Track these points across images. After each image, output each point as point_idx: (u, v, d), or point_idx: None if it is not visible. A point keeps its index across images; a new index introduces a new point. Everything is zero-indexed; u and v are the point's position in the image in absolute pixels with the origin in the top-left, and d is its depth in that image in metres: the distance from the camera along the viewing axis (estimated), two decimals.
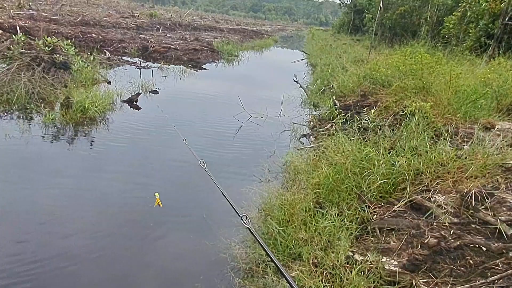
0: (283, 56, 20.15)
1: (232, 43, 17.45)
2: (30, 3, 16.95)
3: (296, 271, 2.46)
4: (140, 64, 10.66)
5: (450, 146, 3.63)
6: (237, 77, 11.52)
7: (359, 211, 3.04)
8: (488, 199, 2.69)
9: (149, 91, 7.67)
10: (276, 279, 2.44)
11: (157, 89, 7.86)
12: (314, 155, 4.44)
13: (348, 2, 30.33)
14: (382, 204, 3.16)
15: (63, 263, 2.63)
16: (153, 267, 2.72)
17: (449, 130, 3.99)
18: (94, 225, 3.16)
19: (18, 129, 4.88)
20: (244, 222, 1.58)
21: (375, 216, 3.01)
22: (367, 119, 4.88)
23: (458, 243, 2.45)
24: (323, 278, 2.40)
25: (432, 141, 3.83)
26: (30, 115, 5.43)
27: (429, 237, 2.56)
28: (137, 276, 2.66)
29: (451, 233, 2.55)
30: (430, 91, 5.23)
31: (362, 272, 2.38)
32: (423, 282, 2.27)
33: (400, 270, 2.39)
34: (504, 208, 2.62)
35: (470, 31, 9.99)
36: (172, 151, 5.02)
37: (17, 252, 2.70)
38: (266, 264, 2.61)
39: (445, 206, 2.81)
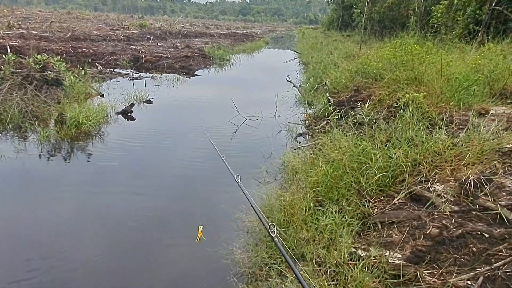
0: (275, 57, 20.15)
1: (223, 48, 17.47)
2: (20, 23, 16.95)
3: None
4: (133, 75, 10.65)
5: (445, 135, 3.62)
6: (230, 81, 11.51)
7: (359, 206, 3.03)
8: (487, 185, 2.68)
9: (143, 101, 7.67)
10: (280, 282, 2.42)
11: (151, 99, 7.86)
12: (311, 154, 4.42)
13: None
14: (382, 197, 3.14)
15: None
16: (155, 277, 2.69)
17: (444, 119, 3.99)
18: (93, 232, 3.13)
19: (14, 148, 4.85)
20: (271, 232, 2.09)
21: (376, 210, 3.00)
22: (361, 114, 4.88)
23: (460, 231, 2.44)
24: (327, 277, 2.38)
25: (427, 131, 3.82)
26: (24, 133, 5.40)
27: (431, 227, 2.54)
28: (139, 286, 2.63)
29: (453, 221, 2.54)
30: (422, 81, 5.23)
31: (366, 268, 2.37)
32: (427, 273, 2.26)
33: (404, 263, 2.37)
34: (504, 193, 2.61)
35: (458, 18, 10.03)
36: (169, 160, 5.00)
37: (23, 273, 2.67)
38: (269, 267, 2.59)
39: (445, 195, 2.80)
